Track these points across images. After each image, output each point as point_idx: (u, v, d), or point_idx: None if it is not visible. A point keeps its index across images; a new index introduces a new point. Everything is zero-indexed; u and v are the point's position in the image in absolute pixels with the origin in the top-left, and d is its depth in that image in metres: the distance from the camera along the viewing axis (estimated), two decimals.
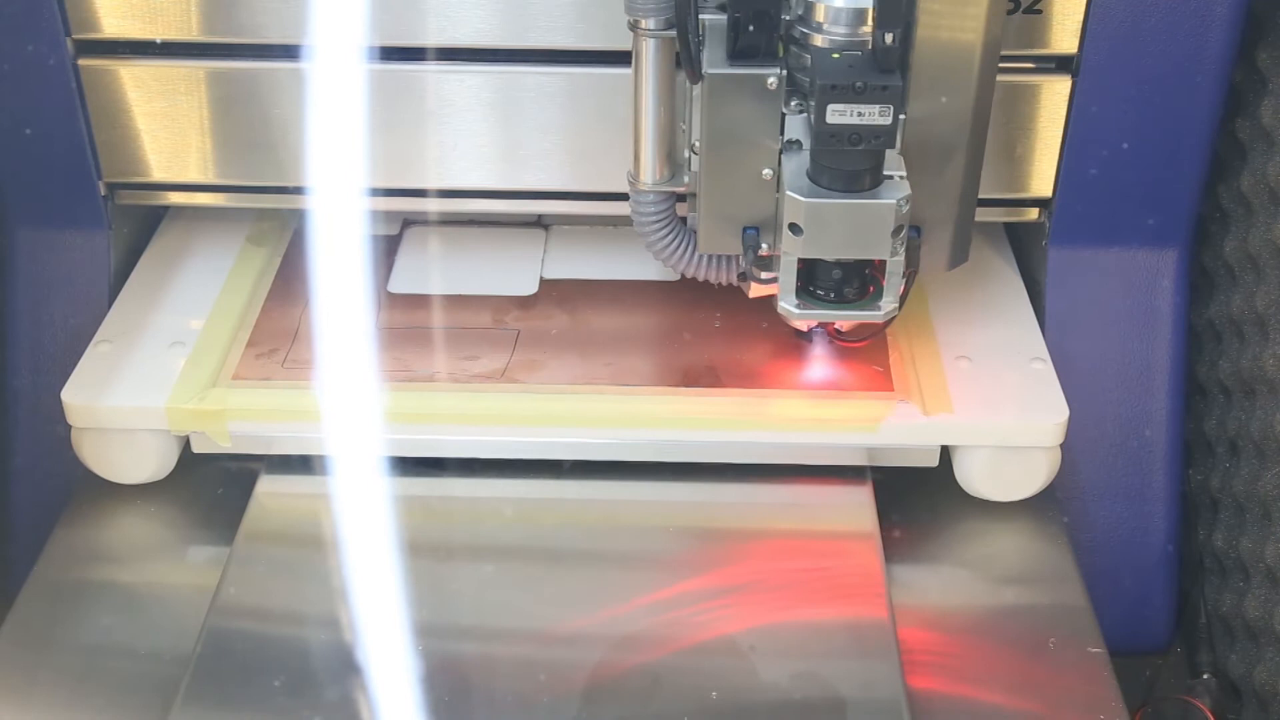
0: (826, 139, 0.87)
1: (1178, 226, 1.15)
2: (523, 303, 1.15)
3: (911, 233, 0.96)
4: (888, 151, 0.90)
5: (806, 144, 0.92)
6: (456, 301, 1.15)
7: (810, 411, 1.04)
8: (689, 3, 0.89)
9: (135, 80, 1.10)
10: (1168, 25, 1.05)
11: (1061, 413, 1.03)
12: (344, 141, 1.03)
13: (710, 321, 1.12)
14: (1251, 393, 1.13)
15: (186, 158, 1.14)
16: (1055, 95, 1.09)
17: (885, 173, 0.91)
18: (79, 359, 1.08)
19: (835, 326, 1.08)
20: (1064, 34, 1.06)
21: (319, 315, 1.11)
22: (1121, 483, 1.15)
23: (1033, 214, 1.17)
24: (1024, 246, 1.22)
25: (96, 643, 0.94)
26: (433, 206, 1.18)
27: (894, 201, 0.89)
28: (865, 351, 1.09)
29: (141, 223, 1.23)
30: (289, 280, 1.17)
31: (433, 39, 1.08)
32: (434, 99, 1.10)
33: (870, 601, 0.95)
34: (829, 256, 0.95)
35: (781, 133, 0.93)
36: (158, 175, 1.15)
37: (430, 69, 1.09)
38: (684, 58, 0.91)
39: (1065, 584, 1.00)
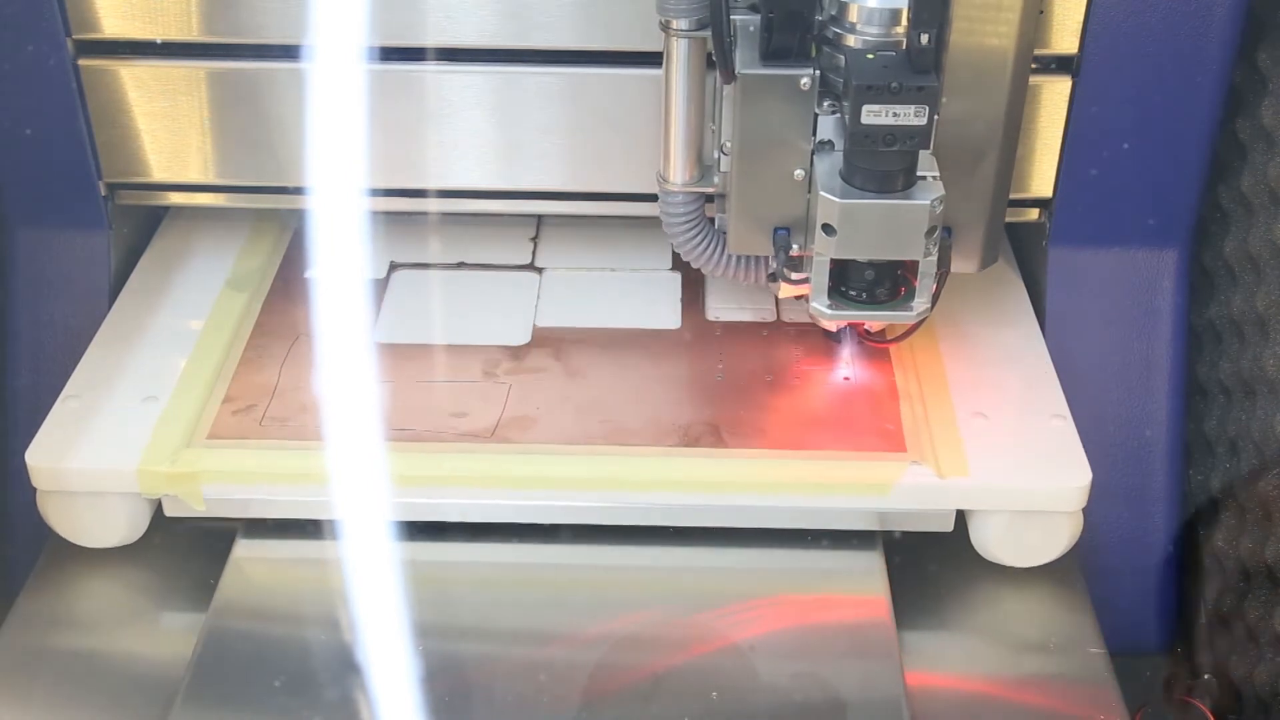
0: (861, 139, 0.87)
1: (1178, 226, 1.15)
2: (515, 353, 1.10)
3: (943, 233, 0.96)
4: (921, 152, 0.90)
5: (839, 144, 0.92)
6: (445, 352, 1.10)
7: (817, 474, 0.99)
8: (722, 3, 0.89)
9: (135, 80, 1.10)
10: (1168, 25, 1.05)
11: (1084, 476, 0.98)
12: (344, 141, 1.02)
13: (711, 373, 1.08)
14: (1251, 393, 1.13)
15: (186, 158, 1.14)
16: (1055, 95, 1.09)
17: (919, 173, 0.90)
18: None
19: (865, 327, 1.08)
20: (1064, 34, 1.06)
21: (299, 368, 1.07)
22: (1121, 483, 1.15)
23: (1033, 214, 1.17)
24: (1024, 246, 1.22)
25: (60, 714, 0.90)
26: (432, 206, 1.18)
27: (928, 202, 0.89)
28: (875, 406, 1.05)
29: (141, 223, 1.23)
30: (269, 328, 1.12)
31: (433, 39, 1.08)
32: (434, 99, 1.10)
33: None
34: (862, 257, 0.94)
35: (814, 133, 0.93)
36: (158, 175, 1.15)
37: (430, 69, 1.09)
38: (718, 58, 0.91)
39: (1065, 583, 1.00)
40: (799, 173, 0.95)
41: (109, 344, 1.10)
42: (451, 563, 1.00)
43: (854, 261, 0.95)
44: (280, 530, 1.00)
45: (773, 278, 1.03)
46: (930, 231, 0.91)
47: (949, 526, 1.01)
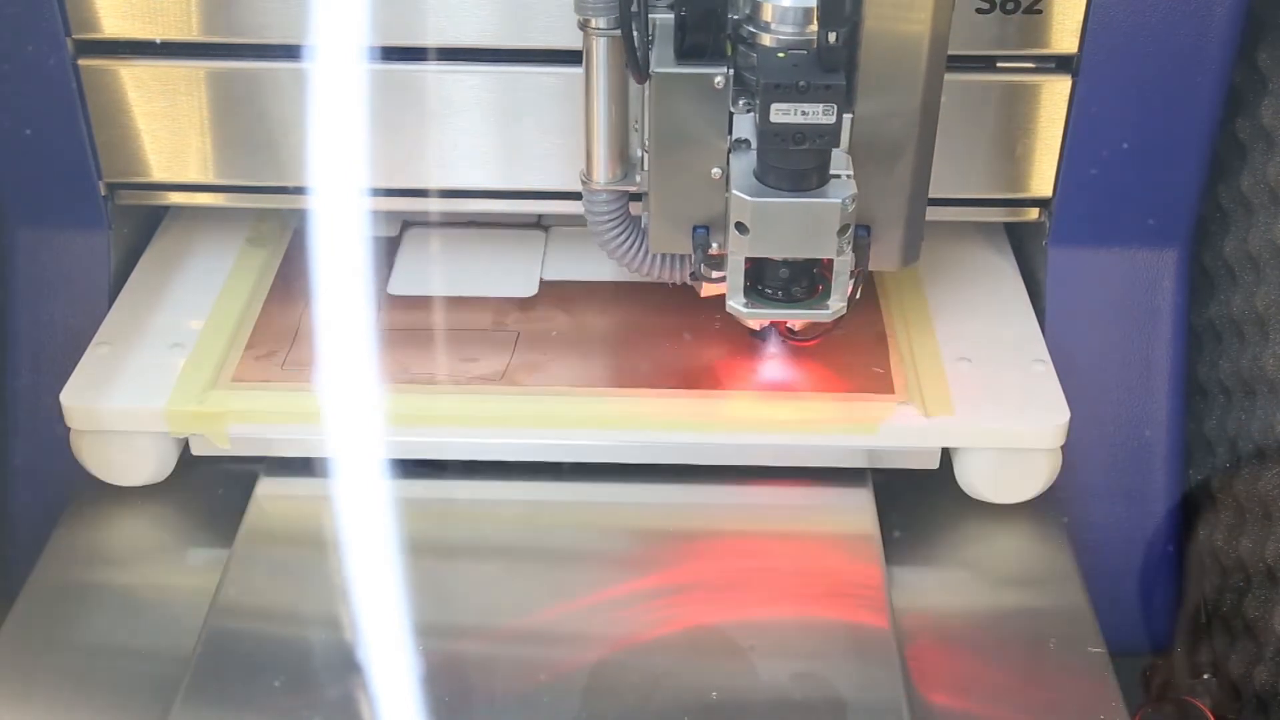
0: (771, 138, 0.87)
1: (1178, 226, 1.15)
2: (523, 304, 1.15)
3: (860, 231, 0.96)
4: (835, 150, 0.90)
5: (754, 143, 0.92)
6: (456, 303, 1.15)
7: (810, 413, 1.04)
8: (631, 2, 0.89)
9: (135, 80, 1.10)
10: (1168, 25, 1.05)
11: (1063, 414, 1.03)
12: (344, 141, 1.03)
13: (710, 323, 1.12)
14: (1251, 393, 1.13)
15: (186, 158, 1.14)
16: (1055, 95, 1.09)
17: (832, 171, 0.91)
18: (79, 359, 1.08)
19: (787, 325, 1.09)
20: (1064, 34, 1.06)
21: (318, 317, 1.11)
22: (1121, 483, 1.15)
23: (1033, 214, 1.17)
24: (1024, 246, 1.22)
25: (95, 644, 0.94)
26: (433, 206, 1.18)
27: (839, 201, 0.89)
28: (866, 352, 1.09)
29: (141, 223, 1.23)
30: (289, 281, 1.17)
31: (433, 39, 1.08)
32: (434, 99, 1.10)
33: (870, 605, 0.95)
34: (775, 255, 0.95)
35: (730, 132, 0.93)
36: (158, 175, 1.15)
37: (431, 69, 1.09)
38: (628, 58, 0.91)
39: (1065, 584, 1.00)
40: (716, 171, 0.95)
41: (138, 293, 1.16)
42: (458, 499, 1.04)
43: (770, 260, 0.96)
44: (300, 469, 1.04)
45: (694, 276, 1.04)
46: (843, 230, 0.91)
47: (935, 464, 1.06)
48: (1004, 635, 0.97)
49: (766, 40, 0.90)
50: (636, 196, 1.03)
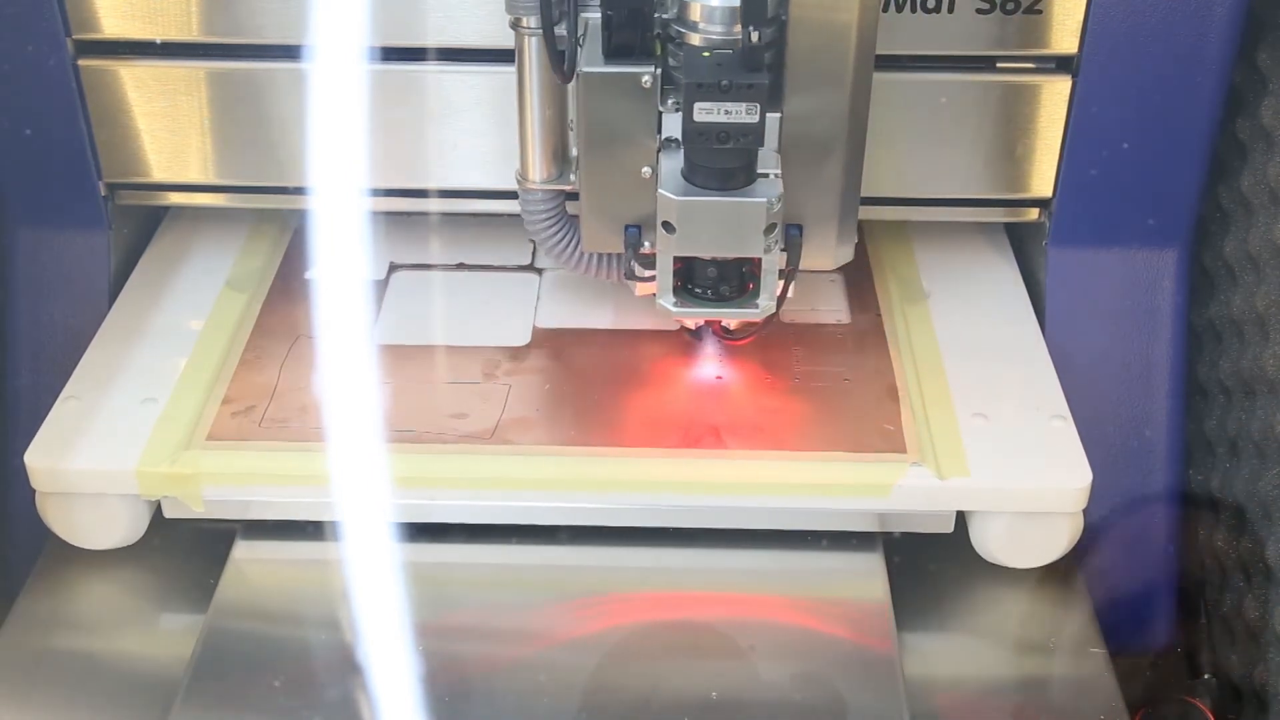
0: (695, 137, 0.87)
1: (1178, 226, 1.15)
2: (514, 354, 1.10)
3: (792, 230, 0.96)
4: (763, 149, 0.90)
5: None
6: (445, 353, 1.10)
7: (818, 476, 0.98)
8: (553, 3, 0.89)
9: (135, 80, 1.10)
10: (1168, 25, 1.05)
11: (1085, 477, 0.98)
12: (344, 142, 1.03)
13: (711, 375, 1.08)
14: (1251, 393, 1.13)
15: (186, 158, 1.14)
16: (1055, 95, 1.09)
17: (760, 170, 0.91)
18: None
19: (723, 324, 1.08)
20: (1064, 34, 1.06)
21: (299, 370, 1.07)
22: (1121, 483, 1.15)
23: (1033, 214, 1.17)
24: (1024, 246, 1.22)
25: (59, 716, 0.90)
26: (433, 207, 1.18)
27: (765, 200, 0.89)
28: (875, 407, 1.04)
29: (141, 223, 1.23)
30: (269, 329, 1.12)
31: (433, 39, 1.08)
32: (435, 99, 1.10)
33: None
34: (702, 255, 0.95)
35: (659, 131, 0.93)
36: (158, 175, 1.15)
37: (431, 69, 1.09)
38: (551, 57, 0.91)
39: (1065, 583, 1.00)
40: (646, 170, 0.94)
41: (109, 344, 1.10)
42: (450, 564, 1.00)
43: (699, 259, 0.96)
44: (280, 531, 1.00)
45: (628, 275, 1.03)
46: (769, 229, 0.91)
47: (949, 528, 1.01)
48: (1018, 690, 0.94)
49: (694, 39, 0.90)
50: (574, 195, 1.02)
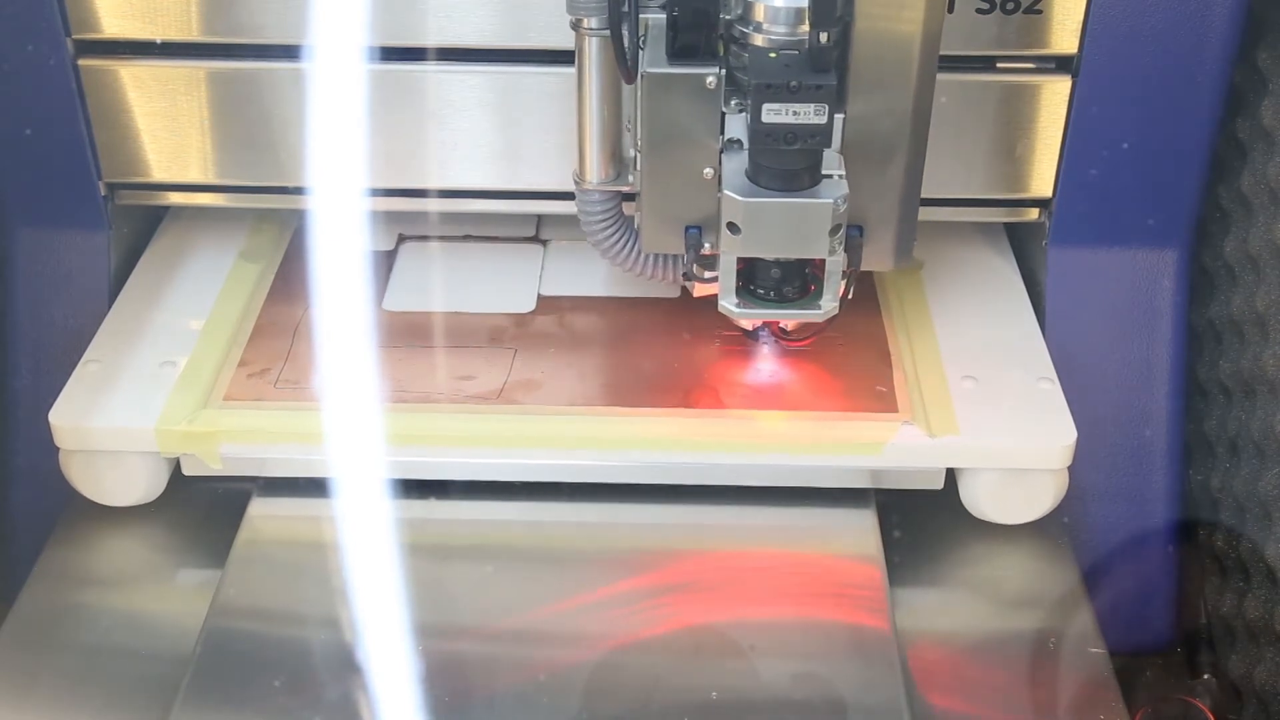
0: (762, 138, 0.87)
1: (1178, 226, 1.15)
2: (520, 320, 1.14)
3: (853, 231, 0.96)
4: (827, 150, 0.90)
5: (746, 143, 0.92)
6: (453, 319, 1.14)
7: (813, 434, 1.02)
8: (621, 3, 0.89)
9: (135, 80, 1.10)
10: (1168, 25, 1.05)
11: (1069, 435, 1.01)
12: (344, 142, 1.03)
13: (711, 340, 1.11)
14: (1251, 393, 1.13)
15: (186, 158, 1.14)
16: (1055, 95, 1.09)
17: (824, 172, 0.91)
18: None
19: (780, 326, 1.09)
20: (1064, 34, 1.06)
21: (312, 334, 1.10)
22: (1121, 483, 1.15)
23: (1033, 214, 1.17)
24: (1024, 246, 1.22)
25: (82, 670, 0.92)
26: (433, 207, 1.18)
27: (831, 201, 0.89)
28: (869, 369, 1.08)
29: (141, 223, 1.23)
30: (282, 297, 1.15)
31: (433, 39, 1.08)
32: (434, 99, 1.10)
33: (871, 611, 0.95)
34: (767, 256, 0.95)
35: (722, 132, 0.93)
36: (158, 175, 1.15)
37: (430, 69, 1.09)
38: (617, 58, 0.91)
39: (1065, 583, 1.00)
40: (708, 171, 0.94)
41: (128, 310, 1.14)
42: (456, 520, 1.03)
43: (761, 260, 0.96)
44: (293, 489, 1.03)
45: (687, 276, 1.03)
46: (834, 230, 0.91)
47: (939, 484, 1.04)
48: (1006, 641, 0.96)
49: (758, 40, 0.89)
50: (630, 196, 1.03)
